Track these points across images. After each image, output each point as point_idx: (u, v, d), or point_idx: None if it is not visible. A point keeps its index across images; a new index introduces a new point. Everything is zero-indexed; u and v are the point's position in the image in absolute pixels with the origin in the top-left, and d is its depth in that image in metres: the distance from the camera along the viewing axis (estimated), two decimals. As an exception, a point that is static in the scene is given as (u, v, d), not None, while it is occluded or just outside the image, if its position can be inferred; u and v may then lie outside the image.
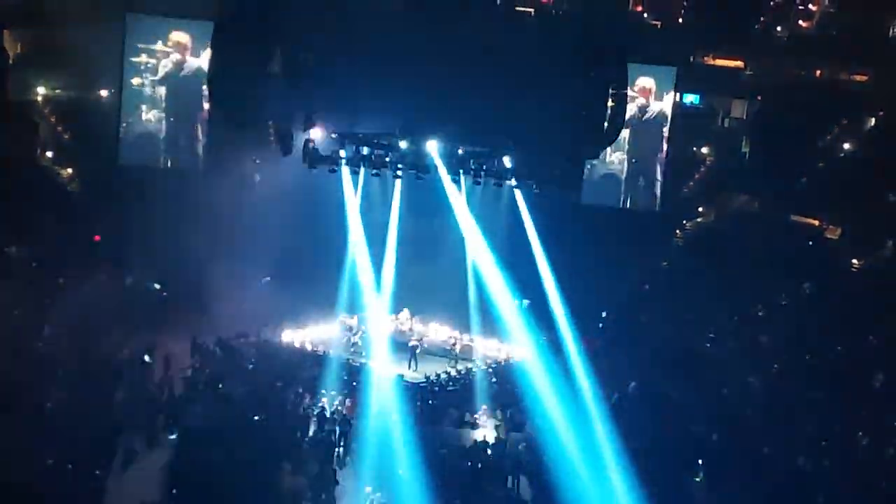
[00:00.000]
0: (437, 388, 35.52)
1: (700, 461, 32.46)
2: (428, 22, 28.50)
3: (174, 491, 26.18)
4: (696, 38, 44.71)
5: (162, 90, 39.27)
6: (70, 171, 43.73)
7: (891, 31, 44.84)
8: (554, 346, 37.45)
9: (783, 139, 45.43)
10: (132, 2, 38.28)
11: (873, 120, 46.83)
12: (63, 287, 39.57)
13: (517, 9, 32.16)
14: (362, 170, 32.50)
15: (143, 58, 38.55)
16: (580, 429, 32.92)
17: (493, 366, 38.00)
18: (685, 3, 45.00)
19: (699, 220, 48.27)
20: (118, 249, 41.94)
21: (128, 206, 40.89)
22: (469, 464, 29.64)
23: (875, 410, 32.28)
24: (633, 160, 42.60)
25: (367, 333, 37.97)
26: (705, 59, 46.55)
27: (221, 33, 26.73)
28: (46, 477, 25.03)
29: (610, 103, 27.55)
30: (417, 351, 37.34)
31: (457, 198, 36.77)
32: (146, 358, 35.35)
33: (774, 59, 46.06)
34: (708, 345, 42.40)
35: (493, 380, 37.04)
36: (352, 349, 37.50)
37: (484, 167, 31.49)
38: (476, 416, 33.52)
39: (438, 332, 39.42)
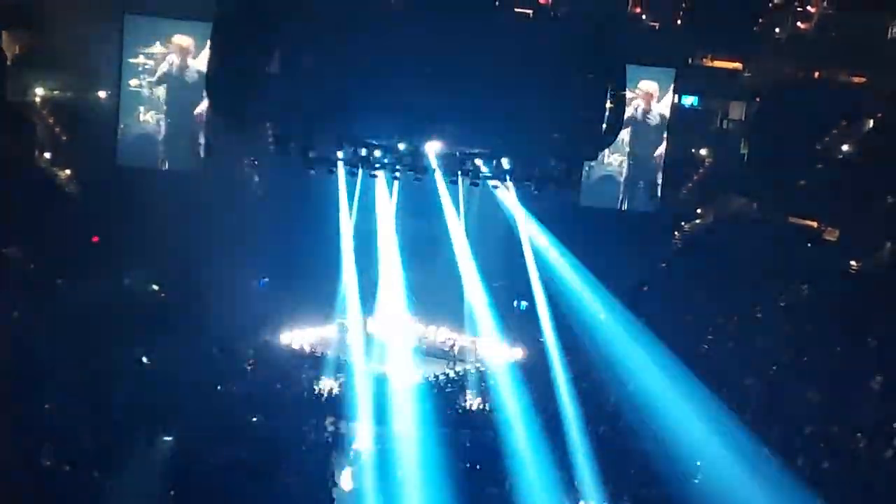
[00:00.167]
0: (435, 390, 35.51)
1: (698, 463, 32.53)
2: (427, 23, 28.48)
3: (172, 493, 26.15)
4: (695, 40, 44.71)
5: (160, 91, 39.23)
6: (68, 172, 43.68)
7: (889, 32, 44.84)
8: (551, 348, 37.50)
9: (782, 141, 45.44)
10: (130, 3, 38.24)
11: (872, 122, 46.83)
12: (61, 288, 39.58)
13: (516, 10, 32.13)
14: (360, 171, 32.46)
15: (142, 59, 38.51)
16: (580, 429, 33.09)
17: (492, 367, 37.96)
18: (684, 5, 44.98)
19: (698, 221, 48.26)
20: (116, 251, 41.92)
21: (126, 208, 40.83)
22: (467, 465, 29.62)
23: (874, 412, 32.26)
24: (632, 162, 42.60)
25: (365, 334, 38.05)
26: (704, 60, 46.55)
27: (219, 34, 26.68)
28: (45, 478, 25.01)
29: (608, 105, 27.55)
30: (418, 352, 37.43)
31: (455, 199, 36.83)
32: (144, 359, 35.33)
33: (773, 61, 46.06)
34: (706, 346, 42.43)
35: (492, 382, 37.00)
36: (351, 350, 37.46)
37: (482, 169, 31.45)
38: (474, 416, 33.47)
39: (437, 333, 39.43)
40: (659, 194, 42.66)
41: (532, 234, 37.63)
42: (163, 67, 39.04)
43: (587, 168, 41.24)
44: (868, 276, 42.01)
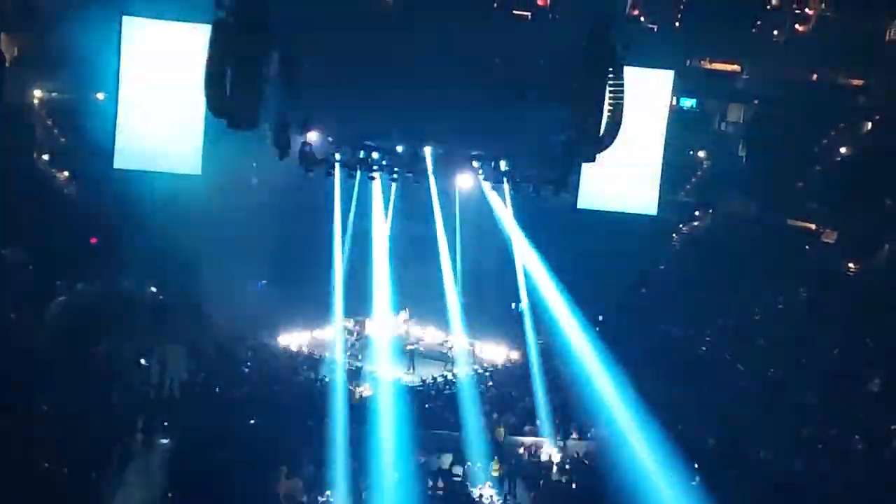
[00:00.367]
0: (433, 392, 35.51)
1: (696, 465, 32.55)
2: (425, 25, 28.50)
3: (170, 494, 26.15)
4: (693, 42, 44.66)
5: (158, 93, 39.17)
6: (66, 174, 43.71)
7: (887, 35, 44.84)
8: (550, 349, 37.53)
9: (780, 143, 45.47)
10: (128, 4, 38.19)
11: (870, 124, 46.85)
12: (60, 290, 39.59)
13: (514, 11, 32.15)
14: (358, 173, 32.45)
15: (139, 61, 38.43)
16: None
17: (490, 369, 38.00)
18: (682, 7, 44.94)
19: (696, 223, 48.28)
20: (115, 253, 41.94)
21: (124, 210, 40.86)
22: (464, 468, 29.62)
23: (872, 414, 32.27)
24: (630, 164, 42.49)
25: (367, 337, 38.08)
26: (702, 62, 46.53)
27: (217, 36, 26.62)
28: (43, 480, 24.99)
29: (607, 107, 27.46)
30: (415, 354, 37.46)
31: (453, 201, 36.87)
32: (142, 361, 35.33)
33: (771, 63, 46.04)
34: (704, 348, 42.45)
35: (490, 383, 37.04)
36: (349, 352, 37.47)
37: (480, 171, 31.46)
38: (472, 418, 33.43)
39: (435, 335, 39.43)
40: (657, 196, 42.56)
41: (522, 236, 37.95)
42: (160, 69, 38.98)
43: (584, 170, 41.14)
44: (866, 277, 42.02)
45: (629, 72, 27.47)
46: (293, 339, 38.43)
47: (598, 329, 43.09)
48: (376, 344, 38.01)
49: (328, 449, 29.96)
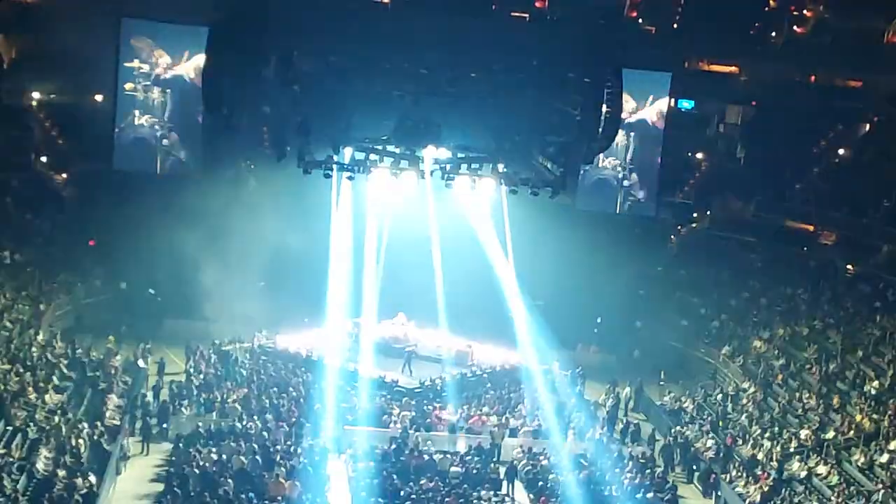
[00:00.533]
0: (431, 394, 35.49)
1: (695, 467, 32.57)
2: (424, 28, 28.50)
3: (168, 496, 26.11)
4: (691, 44, 44.69)
5: (156, 95, 39.21)
6: (64, 175, 43.71)
7: (885, 37, 44.87)
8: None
9: (778, 145, 45.50)
10: (127, 7, 38.23)
11: (867, 126, 46.88)
12: (58, 291, 39.57)
13: (512, 14, 32.13)
14: (356, 175, 32.43)
15: (138, 62, 38.48)
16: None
17: (489, 371, 37.99)
18: (680, 10, 44.95)
19: (694, 225, 48.29)
20: (113, 254, 41.92)
21: (122, 211, 40.87)
22: (463, 469, 29.59)
23: (870, 415, 32.28)
24: (628, 165, 42.60)
25: (360, 338, 38.10)
26: (700, 64, 46.54)
27: (216, 38, 26.63)
28: (41, 481, 24.96)
29: (605, 109, 27.47)
30: (411, 357, 37.45)
31: (452, 203, 36.84)
32: (140, 363, 35.32)
33: (769, 65, 46.05)
34: (703, 350, 42.48)
35: (488, 384, 37.02)
36: (346, 354, 37.43)
37: (478, 172, 31.44)
38: (471, 420, 33.45)
39: (432, 337, 39.39)
40: (655, 198, 42.63)
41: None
42: (159, 71, 39.03)
43: (583, 171, 41.22)
44: (865, 279, 42.05)
45: (627, 73, 27.47)
46: (291, 341, 38.37)
47: (595, 331, 43.42)
48: (374, 346, 37.98)
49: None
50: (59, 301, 39.13)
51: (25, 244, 40.03)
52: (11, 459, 25.23)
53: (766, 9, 46.39)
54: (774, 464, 30.87)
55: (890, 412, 31.75)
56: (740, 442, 33.18)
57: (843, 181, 44.98)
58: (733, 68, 46.88)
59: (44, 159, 43.25)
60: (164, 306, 40.51)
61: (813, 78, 46.45)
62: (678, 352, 42.48)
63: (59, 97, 43.09)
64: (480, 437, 32.42)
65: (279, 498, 26.57)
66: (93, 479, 25.67)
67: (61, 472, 25.31)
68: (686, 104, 45.63)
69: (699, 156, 48.25)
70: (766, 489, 29.63)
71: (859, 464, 30.14)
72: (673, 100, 43.20)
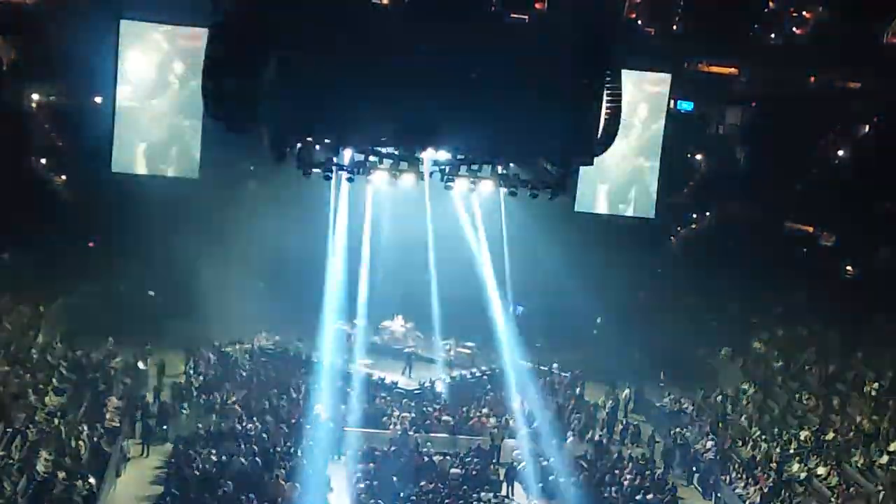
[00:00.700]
0: (431, 395, 35.51)
1: (695, 469, 32.57)
2: (422, 29, 28.43)
3: (168, 498, 26.13)
4: (691, 45, 44.63)
5: (156, 97, 39.16)
6: (64, 178, 43.68)
7: (884, 38, 44.82)
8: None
9: (777, 146, 45.44)
10: (125, 9, 38.18)
11: (867, 127, 46.85)
12: (57, 293, 39.56)
13: (511, 15, 31.98)
14: (356, 177, 32.40)
15: (137, 65, 38.41)
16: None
17: (488, 372, 38.00)
18: (679, 11, 44.91)
19: (693, 227, 48.29)
20: (112, 256, 41.92)
21: (121, 213, 40.81)
22: (463, 470, 29.60)
23: (870, 416, 32.30)
24: (628, 167, 42.53)
25: (359, 340, 38.11)
26: (700, 66, 46.44)
27: (215, 40, 26.60)
28: (41, 483, 24.97)
29: (604, 110, 27.44)
30: (412, 358, 37.47)
31: (451, 205, 36.85)
32: (140, 364, 35.32)
33: (769, 66, 46.01)
34: (702, 351, 42.48)
35: (488, 386, 37.04)
36: (346, 355, 37.44)
37: (478, 174, 31.42)
38: (471, 422, 33.46)
39: (433, 338, 39.38)
40: (654, 200, 42.57)
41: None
42: (158, 73, 38.97)
43: (582, 173, 41.19)
44: (864, 280, 42.05)
45: (627, 75, 27.43)
46: (290, 343, 38.38)
47: (595, 332, 43.42)
48: (374, 348, 38.01)
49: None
50: (59, 303, 39.09)
51: (25, 246, 39.97)
52: (11, 461, 25.23)
53: (766, 10, 46.36)
54: (774, 465, 30.89)
55: (890, 413, 31.76)
56: (740, 443, 33.21)
57: (843, 182, 44.92)
58: (733, 70, 46.84)
59: (43, 161, 43.23)
60: (164, 308, 40.50)
61: (812, 79, 46.42)
62: (678, 353, 42.42)
63: (58, 100, 43.05)
64: (480, 438, 32.44)
65: (279, 499, 26.62)
66: (92, 480, 25.71)
67: (61, 474, 25.32)
68: (686, 106, 45.59)
69: (699, 157, 48.22)
70: (765, 490, 29.67)
71: (859, 465, 30.13)
72: (672, 101, 43.16)
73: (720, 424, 34.83)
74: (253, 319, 38.24)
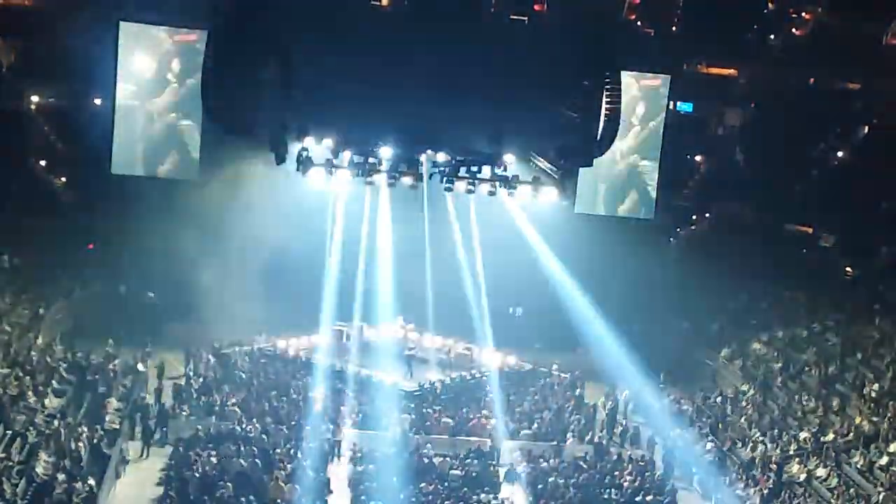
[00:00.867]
0: (431, 397, 35.48)
1: (694, 469, 32.54)
2: (423, 30, 28.46)
3: (168, 500, 26.11)
4: (690, 47, 44.67)
5: (155, 99, 39.14)
6: (63, 179, 43.68)
7: (884, 39, 44.87)
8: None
9: (777, 147, 45.47)
10: (125, 10, 38.17)
11: (867, 128, 46.86)
12: (57, 295, 39.53)
13: (511, 17, 32.01)
14: (356, 178, 32.43)
15: (136, 66, 38.40)
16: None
17: (488, 374, 37.96)
18: (679, 12, 44.95)
19: (693, 227, 48.28)
20: (112, 257, 41.90)
21: (121, 215, 40.79)
22: (463, 472, 29.59)
23: (870, 417, 32.27)
24: (627, 168, 42.53)
25: (359, 341, 38.10)
26: (699, 67, 46.51)
27: (215, 41, 26.61)
28: (40, 485, 24.95)
29: (604, 112, 27.47)
30: (413, 359, 37.45)
31: (450, 206, 36.84)
32: (140, 366, 35.29)
33: (768, 68, 46.06)
34: (702, 352, 42.44)
35: (489, 387, 37.01)
36: (346, 357, 37.42)
37: (478, 175, 31.43)
38: (470, 423, 33.44)
39: (433, 340, 39.37)
40: (654, 201, 42.56)
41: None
42: (157, 75, 38.95)
43: (582, 174, 41.18)
44: (864, 281, 42.05)
45: (626, 76, 27.44)
46: (290, 344, 38.36)
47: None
48: (374, 349, 37.97)
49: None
50: (59, 305, 39.04)
51: (24, 248, 39.95)
52: (11, 463, 25.20)
53: (765, 11, 46.40)
54: (774, 466, 30.87)
55: (889, 414, 31.74)
56: (740, 444, 33.18)
57: (843, 183, 44.94)
58: (732, 71, 46.89)
59: (42, 163, 43.22)
60: (164, 309, 40.49)
61: (812, 80, 46.46)
62: (678, 354, 42.38)
63: (57, 101, 43.07)
64: (480, 439, 32.42)
65: (279, 501, 26.62)
66: (92, 482, 25.70)
67: (61, 476, 25.29)
68: (685, 107, 45.60)
69: (698, 158, 48.22)
70: (765, 492, 29.65)
71: (859, 466, 30.09)
72: (672, 102, 43.15)
73: (720, 426, 34.81)
74: (252, 321, 38.20)
